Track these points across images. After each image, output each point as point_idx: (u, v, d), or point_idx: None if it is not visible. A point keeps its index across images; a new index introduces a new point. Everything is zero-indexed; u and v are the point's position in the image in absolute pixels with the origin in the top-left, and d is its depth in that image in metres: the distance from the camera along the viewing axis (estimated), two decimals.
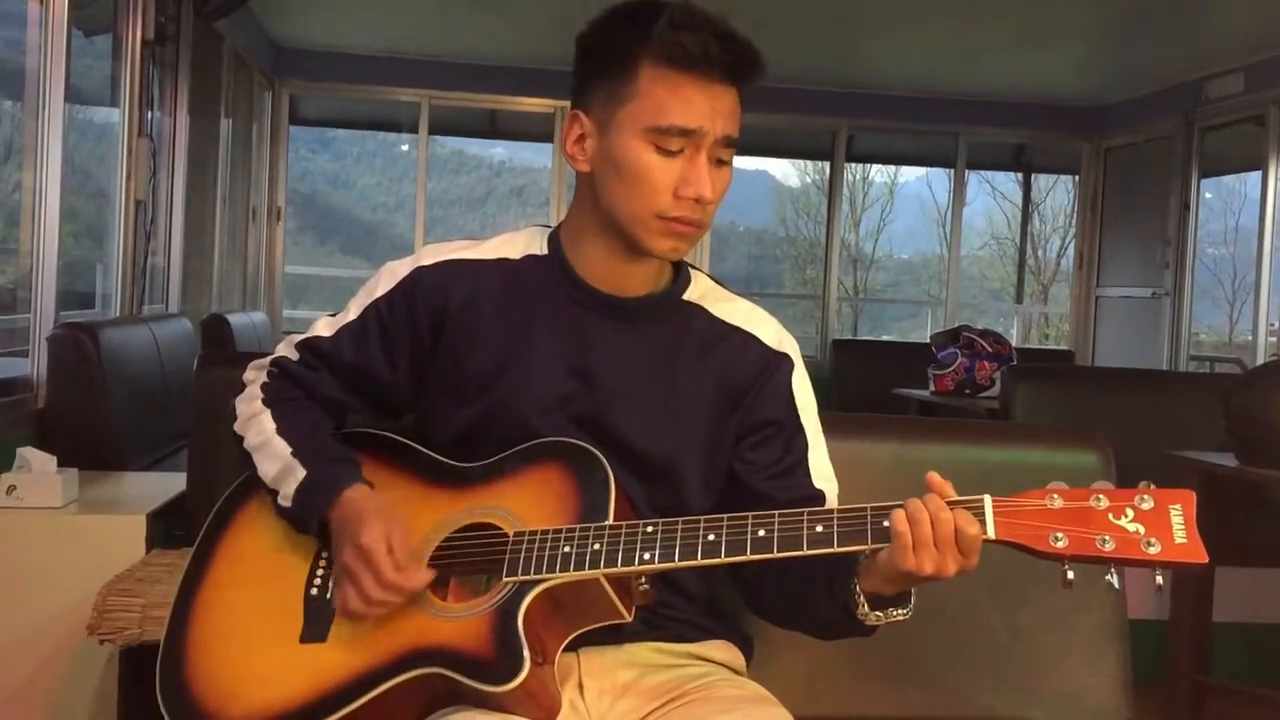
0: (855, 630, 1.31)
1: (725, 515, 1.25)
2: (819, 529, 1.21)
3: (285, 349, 1.48)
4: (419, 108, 7.18)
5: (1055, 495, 1.18)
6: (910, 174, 11.71)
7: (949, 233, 10.55)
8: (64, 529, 2.64)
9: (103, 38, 4.34)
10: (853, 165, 9.74)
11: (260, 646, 1.33)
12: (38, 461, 2.72)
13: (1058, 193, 10.85)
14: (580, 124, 1.38)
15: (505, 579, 1.27)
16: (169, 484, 2.99)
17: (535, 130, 7.70)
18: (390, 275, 1.46)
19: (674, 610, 1.42)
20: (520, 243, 1.47)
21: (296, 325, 7.44)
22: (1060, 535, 1.15)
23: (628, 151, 1.33)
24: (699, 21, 1.31)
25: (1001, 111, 7.49)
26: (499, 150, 12.61)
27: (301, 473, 1.36)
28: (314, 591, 1.36)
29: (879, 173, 11.59)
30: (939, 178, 10.92)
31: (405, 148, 9.74)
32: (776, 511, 1.23)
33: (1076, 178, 9.64)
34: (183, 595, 1.41)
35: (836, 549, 1.20)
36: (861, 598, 1.26)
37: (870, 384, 5.67)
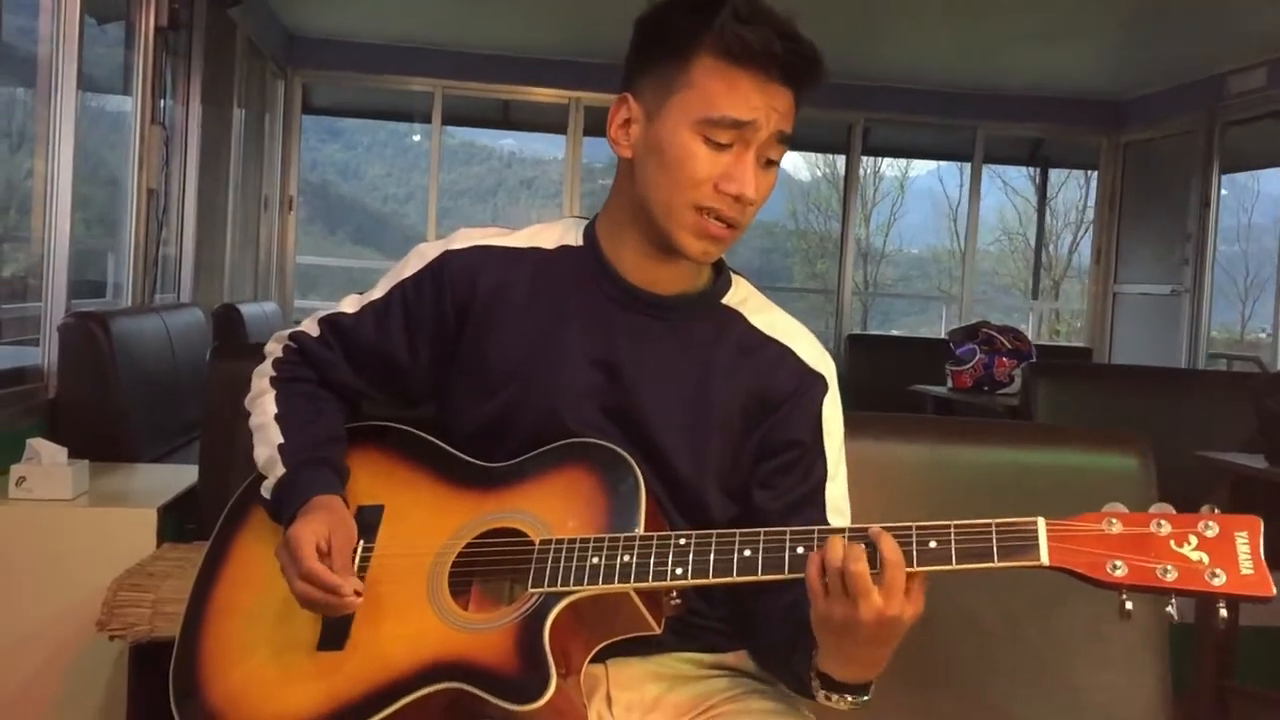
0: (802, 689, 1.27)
1: (762, 530, 1.20)
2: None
3: (309, 324, 1.45)
4: (432, 97, 7.13)
5: (1114, 520, 1.12)
6: (921, 168, 11.63)
7: (960, 227, 10.51)
8: (74, 522, 2.61)
9: (115, 25, 4.30)
10: (864, 159, 9.66)
11: (275, 653, 1.29)
12: (48, 453, 2.69)
13: (1070, 188, 10.76)
14: (628, 108, 1.33)
15: (531, 589, 1.22)
16: (181, 476, 2.96)
17: (549, 121, 7.64)
18: (420, 257, 1.41)
19: (703, 618, 1.37)
20: (555, 233, 1.42)
21: (307, 315, 7.41)
22: (1119, 564, 1.09)
23: (675, 140, 1.29)
24: (763, 17, 1.27)
25: (1020, 105, 7.41)
26: (509, 141, 12.56)
27: (281, 469, 1.33)
28: None
29: (889, 166, 11.51)
30: (950, 172, 10.84)
31: (416, 138, 9.70)
32: (815, 528, 1.18)
33: (1089, 173, 9.59)
34: (196, 596, 1.37)
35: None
36: (813, 673, 1.22)
37: (886, 380, 5.60)
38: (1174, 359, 6.49)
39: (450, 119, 7.48)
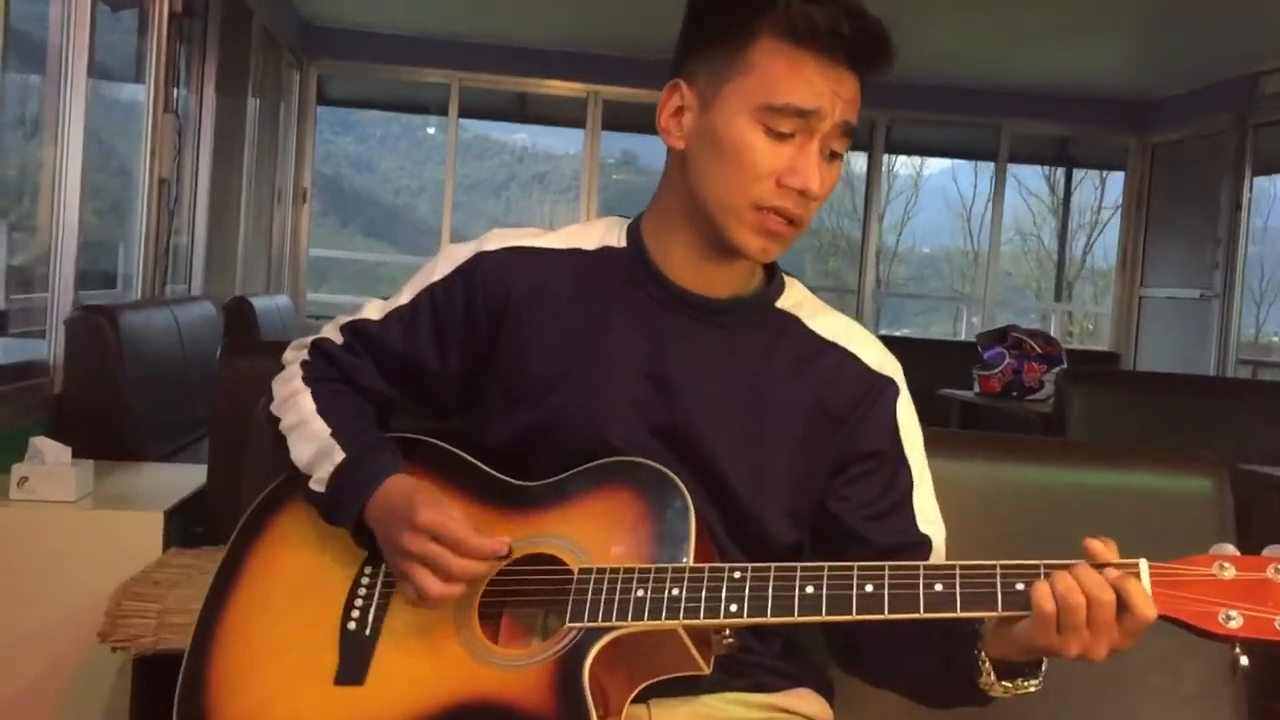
0: (971, 700, 1.15)
1: (825, 565, 1.09)
2: (938, 588, 1.05)
3: (330, 330, 1.34)
4: (448, 89, 7.03)
5: (1226, 564, 1.01)
6: (935, 165, 11.48)
7: (974, 227, 10.35)
8: (77, 524, 2.51)
9: (129, 12, 4.21)
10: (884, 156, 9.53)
11: (290, 686, 1.18)
12: (51, 452, 2.59)
13: (1084, 189, 10.61)
14: (680, 95, 1.23)
15: (569, 623, 1.12)
16: (189, 477, 2.86)
17: (567, 115, 7.52)
18: (450, 259, 1.31)
19: (753, 654, 1.26)
20: (596, 233, 1.32)
21: (319, 309, 7.33)
22: (1234, 614, 0.98)
23: (732, 129, 1.18)
24: None
25: (1046, 104, 7.28)
26: (521, 136, 12.45)
27: (340, 455, 1.22)
28: (352, 625, 1.20)
29: (904, 164, 11.38)
30: (964, 170, 10.69)
31: (431, 130, 9.60)
32: (886, 564, 1.07)
33: (1104, 174, 9.43)
34: (206, 618, 1.26)
35: (959, 613, 1.04)
36: (987, 664, 1.10)
37: (911, 384, 5.45)
38: (1202, 364, 6.36)
39: (466, 111, 7.36)
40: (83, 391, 3.20)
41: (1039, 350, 4.74)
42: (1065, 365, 4.71)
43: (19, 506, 2.49)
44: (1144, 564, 1.02)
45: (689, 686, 1.21)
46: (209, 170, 4.94)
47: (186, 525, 2.70)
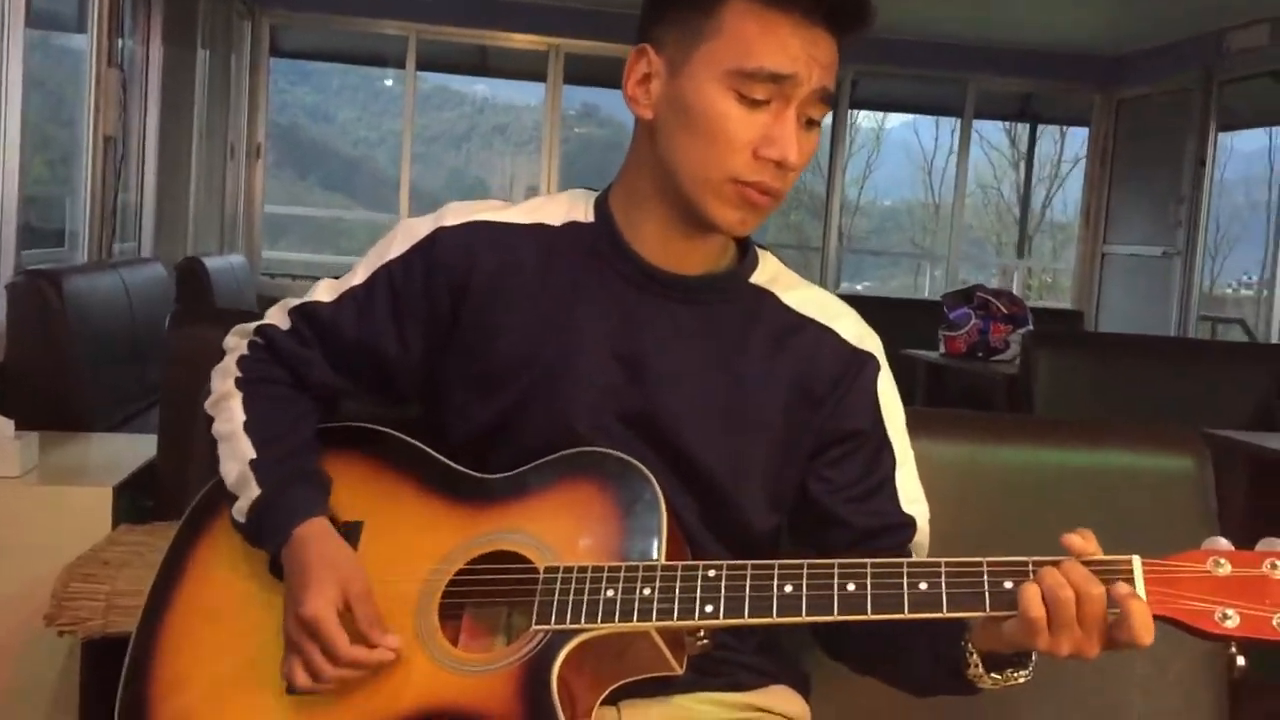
0: (959, 690, 1.10)
1: (805, 562, 1.03)
2: (923, 587, 0.99)
3: (276, 315, 1.25)
4: (406, 41, 6.85)
5: (1221, 559, 0.96)
6: (896, 119, 11.42)
7: (935, 181, 10.30)
8: (21, 501, 2.42)
9: None
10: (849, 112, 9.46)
11: (237, 697, 1.12)
12: None
13: (1045, 142, 10.58)
14: (647, 61, 1.15)
15: (535, 626, 1.05)
16: (138, 449, 2.75)
17: (528, 69, 7.37)
18: (407, 234, 1.22)
19: (727, 651, 1.21)
20: (561, 207, 1.24)
21: (276, 267, 7.17)
22: (1230, 613, 0.94)
23: (702, 97, 1.11)
24: None
25: (1012, 59, 7.21)
26: (481, 87, 12.25)
27: (255, 491, 1.15)
28: None
29: (866, 118, 11.30)
30: (925, 124, 10.63)
31: (389, 82, 9.39)
32: (869, 562, 1.02)
33: (1064, 128, 9.40)
34: (148, 621, 1.19)
35: (945, 614, 0.99)
36: (975, 657, 1.05)
37: None
38: (1163, 321, 6.37)
39: (424, 64, 7.20)
40: (26, 360, 3.08)
41: (1005, 311, 4.71)
42: (1031, 326, 4.69)
43: None
44: (1137, 561, 0.97)
45: (661, 687, 1.16)
46: (157, 125, 4.79)
47: (135, 500, 2.61)
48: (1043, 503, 1.51)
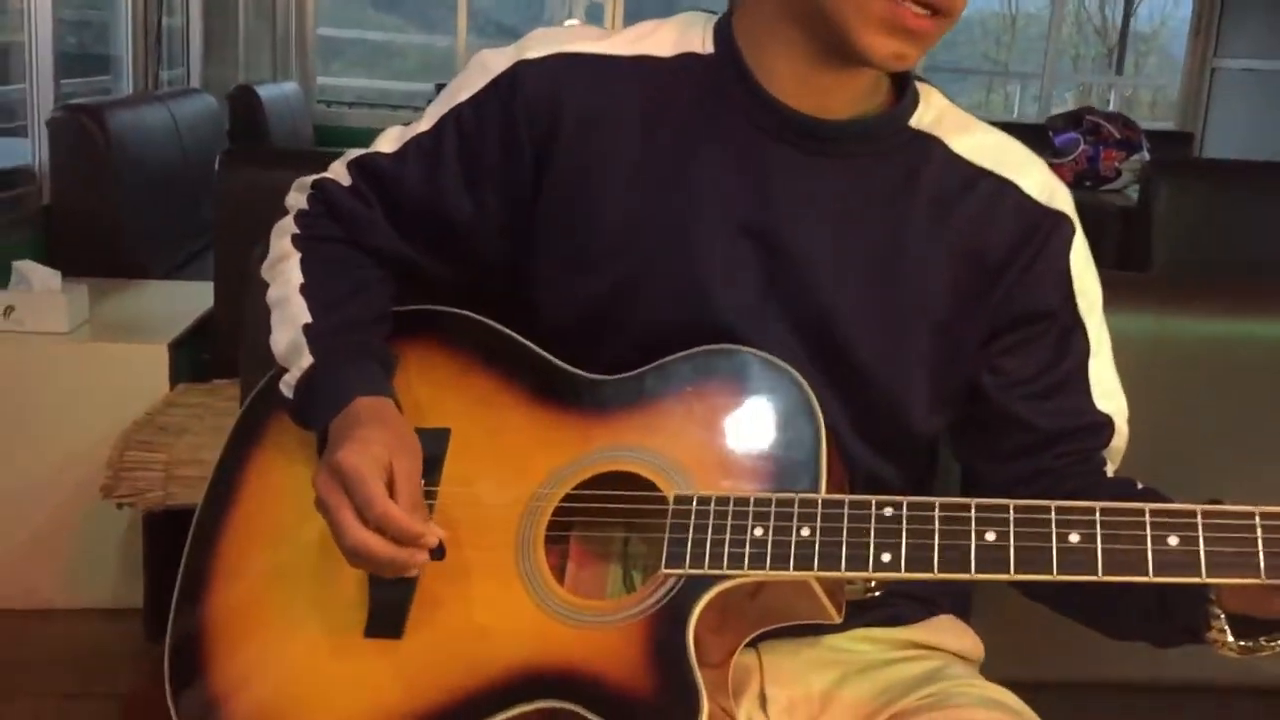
0: (1179, 643, 0.90)
1: (1010, 503, 0.81)
2: (1173, 541, 0.77)
3: (337, 168, 1.05)
4: None
5: None
6: None
7: None
8: (73, 359, 2.27)
9: None
10: None
11: (307, 642, 0.93)
12: (39, 278, 2.32)
13: None
14: None
15: (665, 569, 0.85)
16: (195, 298, 2.59)
17: None
18: (481, 70, 1.00)
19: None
20: (672, 34, 1.00)
21: (329, 94, 6.86)
22: None
23: None
24: None
25: None
26: None
27: (307, 359, 0.95)
28: None
29: None
30: None
31: None
32: (1098, 506, 0.79)
33: None
34: (196, 550, 1.00)
35: (1205, 579, 0.77)
36: (1222, 619, 0.83)
37: None
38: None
39: None
40: (71, 203, 2.90)
41: (1117, 135, 4.30)
42: (1146, 153, 4.30)
43: (5, 339, 2.24)
44: None
45: (809, 627, 0.96)
46: None
47: (194, 353, 2.45)
48: (1249, 387, 1.26)
